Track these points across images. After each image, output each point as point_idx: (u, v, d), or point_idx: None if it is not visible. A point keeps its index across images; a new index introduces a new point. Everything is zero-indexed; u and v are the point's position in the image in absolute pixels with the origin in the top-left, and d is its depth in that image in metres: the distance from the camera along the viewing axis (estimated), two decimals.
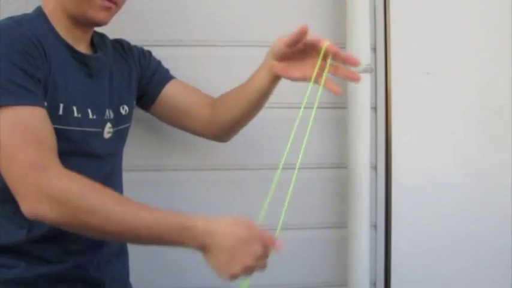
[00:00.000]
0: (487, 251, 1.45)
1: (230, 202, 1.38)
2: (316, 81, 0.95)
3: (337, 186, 1.40)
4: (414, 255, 1.43)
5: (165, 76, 1.18)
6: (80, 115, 0.93)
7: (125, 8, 1.29)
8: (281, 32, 1.35)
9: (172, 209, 1.34)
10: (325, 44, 0.92)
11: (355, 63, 0.94)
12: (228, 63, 1.35)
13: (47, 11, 0.95)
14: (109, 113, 1.01)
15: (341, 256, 1.39)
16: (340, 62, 0.94)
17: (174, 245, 0.84)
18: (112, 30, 1.17)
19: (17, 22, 0.89)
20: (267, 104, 1.37)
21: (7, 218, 0.92)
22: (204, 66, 1.34)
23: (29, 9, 1.13)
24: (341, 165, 1.39)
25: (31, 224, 0.91)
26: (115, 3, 0.96)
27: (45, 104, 0.86)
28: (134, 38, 1.21)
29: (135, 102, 1.14)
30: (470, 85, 1.43)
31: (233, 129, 1.17)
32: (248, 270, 0.83)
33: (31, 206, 0.79)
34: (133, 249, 1.17)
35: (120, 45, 1.13)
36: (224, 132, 1.18)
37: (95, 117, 0.96)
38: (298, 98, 1.38)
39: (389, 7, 1.39)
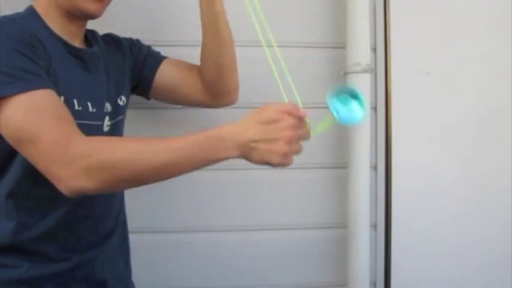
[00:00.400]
0: (487, 251, 1.45)
1: (230, 202, 1.38)
2: None
3: (337, 186, 1.40)
4: (414, 255, 1.43)
5: (157, 58, 1.20)
6: (80, 108, 0.94)
7: (125, 8, 1.30)
8: (281, 33, 1.36)
9: (173, 209, 1.36)
10: None
11: None
12: None
13: (39, 9, 0.96)
14: (107, 106, 1.02)
15: (341, 256, 1.39)
16: None
17: (213, 159, 0.81)
18: (112, 30, 1.18)
19: (11, 19, 0.90)
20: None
21: (7, 216, 0.92)
22: None
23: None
24: (341, 165, 1.39)
25: (30, 222, 0.91)
26: None
27: None
28: (134, 37, 1.21)
29: (129, 93, 1.15)
30: (470, 85, 1.43)
31: (222, 75, 1.17)
32: (294, 144, 0.80)
33: (69, 183, 0.79)
34: (136, 249, 1.17)
35: (111, 39, 1.14)
36: (219, 85, 1.18)
37: (94, 110, 0.97)
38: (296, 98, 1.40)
39: (389, 7, 1.39)
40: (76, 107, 0.93)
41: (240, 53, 1.35)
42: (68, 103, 0.91)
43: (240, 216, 1.38)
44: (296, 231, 1.40)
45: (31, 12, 0.95)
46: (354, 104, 0.84)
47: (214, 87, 1.19)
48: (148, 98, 1.24)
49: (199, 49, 1.20)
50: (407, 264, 1.43)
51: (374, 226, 1.42)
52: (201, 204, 1.36)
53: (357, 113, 0.83)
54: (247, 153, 0.80)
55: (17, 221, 0.92)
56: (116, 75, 1.08)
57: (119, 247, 1.08)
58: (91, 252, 0.99)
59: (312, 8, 1.38)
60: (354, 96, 0.84)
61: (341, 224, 1.39)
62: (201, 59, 1.17)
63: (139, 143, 0.83)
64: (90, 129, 0.95)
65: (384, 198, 1.42)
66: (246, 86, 1.36)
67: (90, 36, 1.07)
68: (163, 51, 1.25)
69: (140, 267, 1.20)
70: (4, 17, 0.92)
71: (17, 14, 0.94)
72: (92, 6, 0.96)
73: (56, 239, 0.93)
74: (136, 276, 1.16)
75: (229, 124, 0.81)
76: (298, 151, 0.81)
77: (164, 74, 1.18)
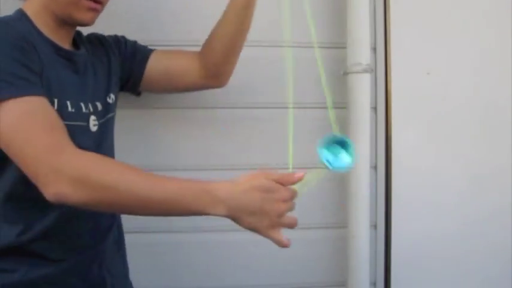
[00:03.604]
0: (487, 251, 1.45)
1: None
2: None
3: (337, 186, 1.40)
4: (414, 255, 1.43)
5: (145, 51, 1.19)
6: (73, 110, 0.94)
7: (125, 8, 1.30)
8: (281, 32, 1.36)
9: None
10: None
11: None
12: None
13: (29, 12, 0.95)
14: (93, 106, 1.01)
15: (341, 256, 1.39)
16: None
17: (199, 211, 0.81)
18: (112, 30, 1.18)
19: (3, 22, 0.90)
20: (267, 104, 1.38)
21: (6, 219, 0.92)
22: None
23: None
24: None
25: (29, 222, 0.91)
26: (100, 3, 0.98)
27: None
28: (134, 38, 1.21)
29: (118, 90, 1.15)
30: (470, 85, 1.43)
31: (228, 59, 1.18)
32: (284, 218, 0.82)
33: (54, 190, 0.79)
34: (134, 249, 1.17)
35: (95, 38, 1.14)
36: (220, 68, 1.19)
37: (87, 111, 0.98)
38: (298, 98, 1.40)
39: (389, 7, 1.39)
40: (69, 108, 0.93)
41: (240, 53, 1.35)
42: (62, 105, 0.91)
43: None
44: (296, 231, 1.40)
45: (20, 15, 0.95)
46: (344, 153, 0.88)
47: (216, 68, 1.19)
48: (138, 94, 1.24)
49: (199, 49, 1.20)
50: (407, 264, 1.43)
51: (374, 226, 1.42)
52: None
53: (347, 160, 0.87)
54: (236, 217, 0.81)
55: (15, 224, 0.92)
56: (103, 74, 1.08)
57: (116, 244, 1.09)
58: (89, 251, 0.99)
59: (312, 8, 1.37)
60: (343, 143, 0.88)
61: (341, 224, 1.39)
62: (213, 39, 1.16)
63: (134, 173, 0.82)
64: (82, 130, 0.96)
65: (384, 198, 1.42)
66: (246, 86, 1.37)
67: (76, 38, 1.07)
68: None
69: (139, 267, 1.20)
70: None
71: (7, 17, 0.94)
72: (86, 17, 0.96)
73: (53, 239, 0.93)
74: (135, 276, 1.16)
75: (226, 183, 0.81)
76: (287, 224, 0.83)
77: (154, 66, 1.18)
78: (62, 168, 0.79)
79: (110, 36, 1.17)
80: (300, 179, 0.83)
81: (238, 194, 0.80)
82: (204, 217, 1.36)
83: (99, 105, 1.03)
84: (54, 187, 0.78)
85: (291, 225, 0.83)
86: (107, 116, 1.06)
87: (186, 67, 1.19)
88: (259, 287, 1.41)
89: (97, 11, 0.98)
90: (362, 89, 1.30)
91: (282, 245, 0.83)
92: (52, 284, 0.93)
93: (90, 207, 0.83)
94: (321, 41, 1.39)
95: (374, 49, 1.39)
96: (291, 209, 0.83)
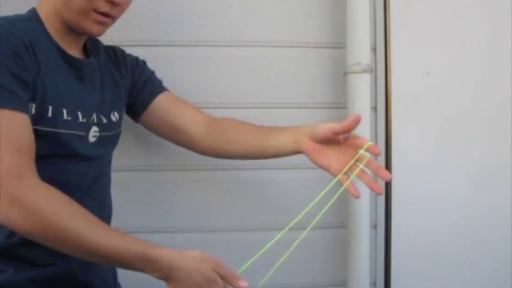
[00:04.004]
0: (487, 251, 1.45)
1: (230, 202, 1.38)
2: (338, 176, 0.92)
3: (337, 187, 1.40)
4: (414, 255, 1.43)
5: (157, 87, 1.16)
6: (69, 118, 0.92)
7: None
8: (281, 32, 1.36)
9: (173, 209, 1.36)
10: (368, 143, 0.89)
11: (385, 178, 0.89)
12: (228, 63, 1.35)
13: (41, 13, 0.95)
14: (97, 118, 1.00)
15: (341, 256, 1.39)
16: (371, 168, 0.91)
17: (138, 270, 0.84)
18: (112, 30, 1.17)
19: (9, 22, 0.89)
20: (267, 105, 1.38)
21: None
22: (204, 66, 1.34)
23: (28, 9, 1.13)
24: None
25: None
26: (113, 18, 0.96)
27: (34, 106, 0.86)
28: (133, 38, 1.21)
29: (124, 110, 1.13)
30: (470, 85, 1.43)
31: (229, 158, 1.15)
32: None
33: (4, 214, 0.78)
34: None
35: (114, 52, 1.12)
36: (216, 155, 1.16)
37: (84, 120, 0.96)
38: (299, 98, 1.40)
39: (389, 7, 1.39)
40: (65, 116, 0.92)
41: (240, 53, 1.35)
42: (56, 113, 0.90)
43: (239, 216, 1.38)
44: (296, 231, 1.40)
45: (33, 15, 0.95)
46: None
47: (212, 151, 1.14)
48: (136, 121, 1.19)
49: (199, 49, 1.20)
50: (407, 264, 1.43)
51: (374, 226, 1.42)
52: (200, 204, 1.36)
53: None
54: (168, 282, 0.84)
55: (2, 227, 0.91)
56: (111, 90, 1.06)
57: None
58: (77, 257, 0.97)
59: (312, 8, 1.38)
60: None
61: (341, 224, 1.39)
62: (232, 138, 1.10)
63: (83, 219, 0.82)
64: (77, 139, 0.94)
65: (384, 198, 1.41)
66: (246, 86, 1.37)
67: (90, 46, 1.06)
68: (163, 51, 1.25)
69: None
70: (4, 18, 0.90)
71: (19, 16, 0.94)
72: (94, 29, 0.95)
73: (39, 245, 0.91)
74: (134, 277, 1.15)
75: (173, 252, 0.83)
76: None
77: (160, 107, 1.13)
78: (17, 195, 0.78)
79: (130, 56, 1.15)
80: (242, 286, 0.86)
81: (179, 268, 0.83)
82: (204, 217, 1.37)
83: (103, 118, 1.01)
84: (5, 211, 0.78)
85: None
86: (108, 133, 1.04)
87: (187, 129, 1.13)
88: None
89: (106, 24, 0.96)
90: (362, 89, 1.30)
91: None
92: (38, 287, 0.93)
93: (36, 240, 0.82)
94: (321, 41, 1.39)
95: (374, 49, 1.39)
96: None
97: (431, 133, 1.43)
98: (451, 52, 1.42)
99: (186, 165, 1.36)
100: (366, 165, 0.92)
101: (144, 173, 1.34)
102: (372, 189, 0.92)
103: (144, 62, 1.18)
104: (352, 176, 0.89)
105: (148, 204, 1.35)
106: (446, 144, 1.43)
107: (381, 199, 1.42)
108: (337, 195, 0.90)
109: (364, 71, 1.29)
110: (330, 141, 0.93)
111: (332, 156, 0.91)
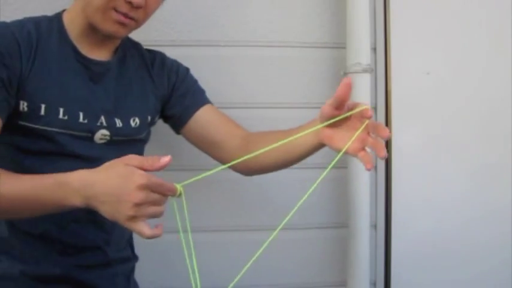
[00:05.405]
0: (487, 251, 1.45)
1: (230, 202, 1.38)
2: (354, 152, 0.88)
3: (337, 186, 1.40)
4: (414, 255, 1.43)
5: (199, 99, 1.12)
6: (66, 117, 0.92)
7: None
8: (281, 32, 1.36)
9: (173, 209, 1.36)
10: (362, 106, 0.88)
11: (383, 135, 0.87)
12: (228, 63, 1.35)
13: (67, 15, 0.96)
14: (107, 120, 0.98)
15: (341, 256, 1.39)
16: (371, 129, 0.90)
17: (59, 205, 0.79)
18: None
19: (10, 23, 0.90)
20: (267, 104, 1.38)
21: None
22: (204, 66, 1.34)
23: (28, 9, 1.13)
24: (341, 165, 1.39)
25: (25, 224, 0.92)
26: (135, 20, 0.94)
27: (25, 104, 0.88)
28: (134, 37, 1.21)
29: (156, 119, 1.10)
30: (470, 85, 1.43)
31: (260, 171, 1.12)
32: (145, 208, 0.76)
33: None
34: (137, 249, 1.17)
35: (152, 57, 1.10)
36: (247, 170, 1.12)
37: (86, 121, 0.94)
38: (299, 98, 1.40)
39: (389, 7, 1.39)
40: (60, 115, 0.91)
41: (240, 53, 1.35)
42: (50, 111, 0.90)
43: (239, 216, 1.38)
44: (296, 231, 1.40)
45: (56, 16, 0.97)
46: None
47: (245, 166, 1.07)
48: (177, 133, 1.16)
49: (198, 49, 1.20)
50: (407, 264, 1.43)
51: (374, 226, 1.42)
52: (200, 204, 1.36)
53: None
54: (94, 206, 0.77)
55: (9, 223, 0.92)
56: (137, 95, 1.04)
57: (118, 262, 1.06)
58: (76, 257, 0.97)
59: (312, 8, 1.38)
60: None
61: (341, 224, 1.39)
62: (263, 156, 1.02)
63: (3, 176, 0.81)
64: (75, 139, 0.94)
65: (384, 198, 1.42)
66: (246, 86, 1.37)
67: (123, 48, 1.04)
68: (163, 51, 1.25)
69: (141, 267, 1.20)
70: (29, 19, 0.93)
71: (46, 16, 0.96)
72: (111, 28, 0.92)
73: (38, 240, 0.93)
74: (138, 276, 1.16)
75: (82, 171, 0.78)
76: (152, 215, 0.77)
77: (201, 122, 1.09)
78: None
79: (172, 64, 1.12)
80: (166, 165, 0.77)
81: (93, 182, 0.75)
82: (204, 217, 1.37)
83: (118, 122, 0.99)
84: None
85: (155, 215, 0.77)
86: (128, 137, 1.01)
87: (226, 144, 1.10)
88: (259, 287, 1.41)
89: (126, 26, 0.93)
90: (362, 89, 1.30)
91: (146, 236, 0.76)
92: (33, 283, 0.93)
93: None
94: (321, 41, 1.40)
95: (374, 49, 1.39)
96: (151, 198, 0.76)
97: (431, 133, 1.43)
98: (451, 52, 1.42)
99: (186, 165, 1.36)
100: (368, 130, 0.90)
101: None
102: (376, 151, 0.88)
103: (187, 70, 1.14)
104: (354, 136, 0.88)
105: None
106: (446, 144, 1.43)
107: (381, 199, 1.42)
108: (337, 158, 0.88)
109: (364, 71, 1.29)
110: (340, 124, 0.92)
111: (347, 138, 0.89)
